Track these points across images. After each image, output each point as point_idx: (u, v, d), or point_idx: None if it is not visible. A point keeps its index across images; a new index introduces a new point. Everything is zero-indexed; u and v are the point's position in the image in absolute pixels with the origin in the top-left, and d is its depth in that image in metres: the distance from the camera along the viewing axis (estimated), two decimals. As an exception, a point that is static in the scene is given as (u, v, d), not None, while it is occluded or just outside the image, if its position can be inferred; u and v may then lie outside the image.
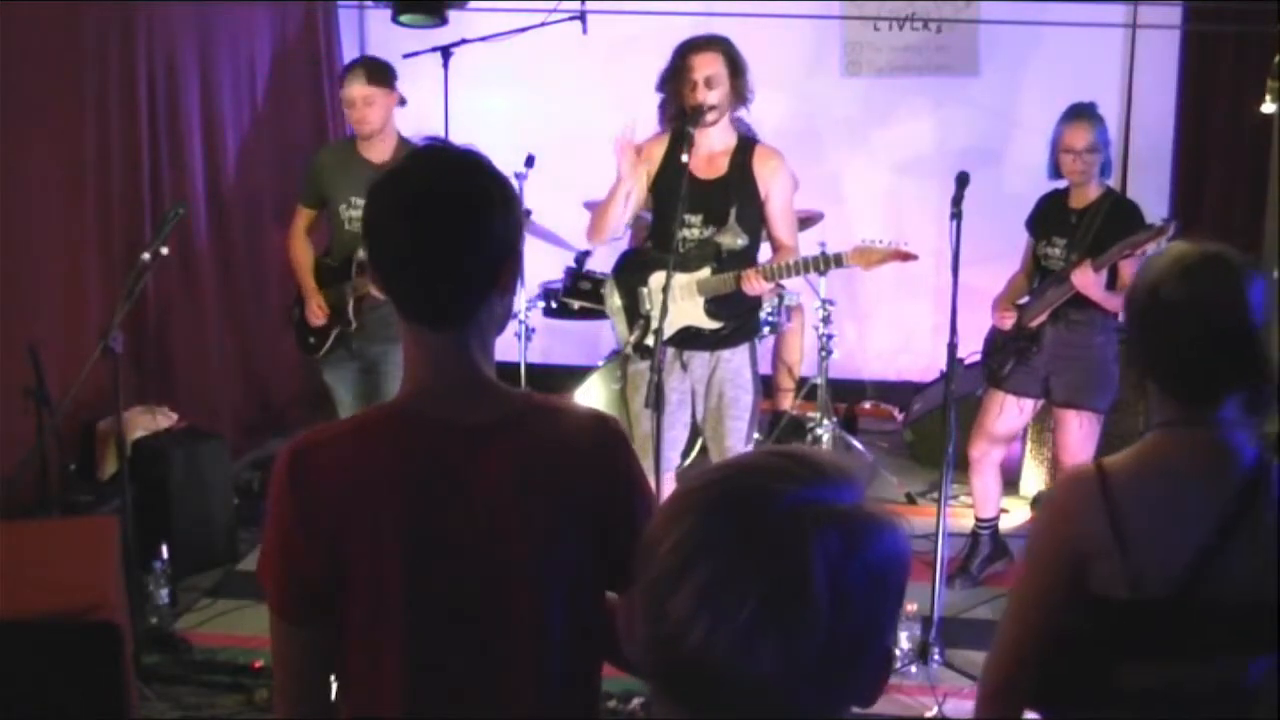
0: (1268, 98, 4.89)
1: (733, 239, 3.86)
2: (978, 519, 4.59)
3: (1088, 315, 4.17)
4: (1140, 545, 1.79)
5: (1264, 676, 1.87)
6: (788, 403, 5.94)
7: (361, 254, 4.26)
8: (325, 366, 4.56)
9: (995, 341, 4.40)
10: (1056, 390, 4.28)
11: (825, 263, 3.83)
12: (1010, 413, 4.38)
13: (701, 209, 3.83)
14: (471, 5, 5.13)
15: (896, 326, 6.61)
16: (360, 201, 4.21)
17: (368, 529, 1.52)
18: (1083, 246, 4.13)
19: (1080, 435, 4.23)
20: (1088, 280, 4.02)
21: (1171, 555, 1.79)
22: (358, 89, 4.31)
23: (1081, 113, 4.16)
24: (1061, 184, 4.27)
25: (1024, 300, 4.38)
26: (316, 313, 4.42)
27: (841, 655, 0.94)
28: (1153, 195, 6.12)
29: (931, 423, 5.50)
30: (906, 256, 3.80)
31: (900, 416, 6.07)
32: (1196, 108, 6.07)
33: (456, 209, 1.52)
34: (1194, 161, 6.13)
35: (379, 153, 4.40)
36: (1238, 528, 1.79)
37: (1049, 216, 4.32)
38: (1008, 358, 4.32)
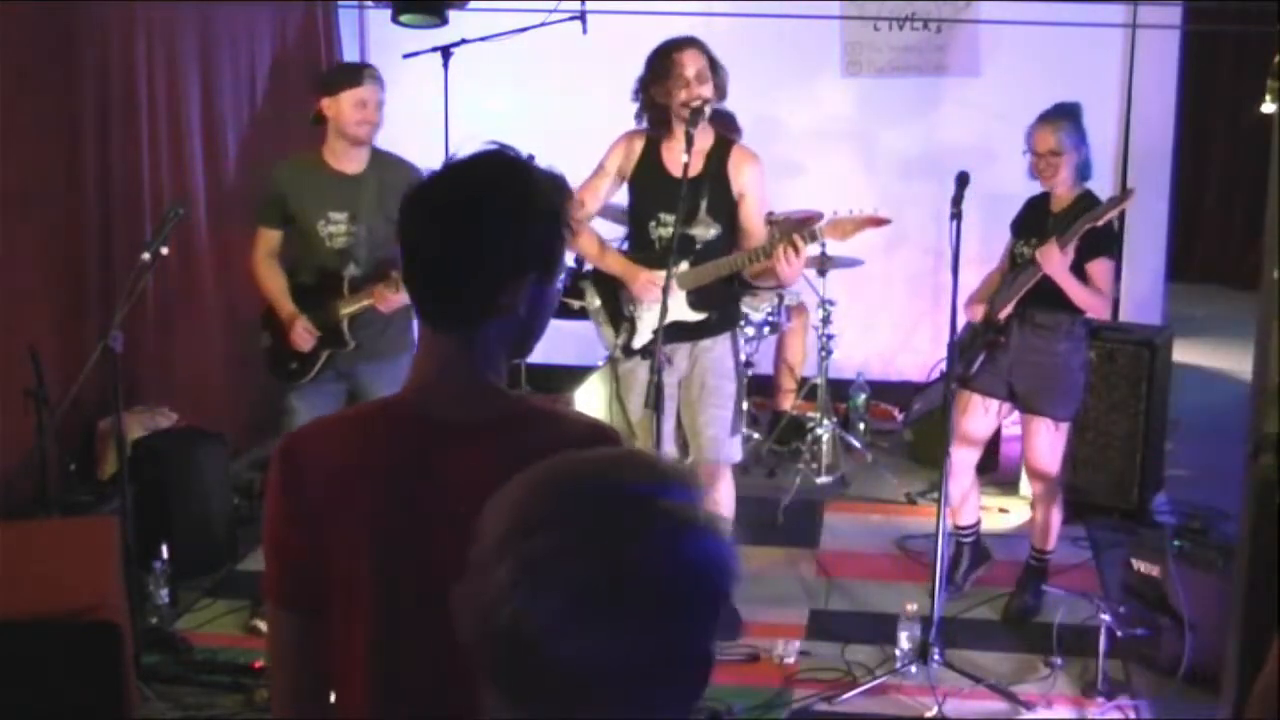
0: (1268, 98, 4.90)
1: (704, 230, 3.88)
2: (957, 527, 4.45)
3: (1054, 319, 4.10)
4: None
5: None
6: (788, 403, 5.94)
7: (352, 270, 4.04)
8: (300, 391, 4.13)
9: (964, 339, 4.27)
10: (1018, 393, 4.22)
11: (804, 237, 3.71)
12: (977, 413, 4.30)
13: (675, 208, 3.83)
14: (471, 5, 5.13)
15: (896, 326, 6.60)
16: (339, 217, 4.04)
17: (344, 519, 1.53)
18: None
19: (1042, 442, 4.19)
20: (1053, 258, 3.91)
21: None
22: (376, 91, 4.02)
23: (1049, 115, 4.09)
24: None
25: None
26: (305, 337, 4.03)
27: (658, 653, 0.94)
28: (1153, 195, 6.12)
29: (931, 423, 5.50)
30: (879, 222, 3.77)
31: (900, 416, 6.07)
32: (1196, 108, 6.08)
33: (461, 214, 1.53)
34: (1194, 161, 6.13)
35: (355, 162, 4.07)
36: None
37: (1030, 218, 4.25)
38: (977, 353, 4.25)
